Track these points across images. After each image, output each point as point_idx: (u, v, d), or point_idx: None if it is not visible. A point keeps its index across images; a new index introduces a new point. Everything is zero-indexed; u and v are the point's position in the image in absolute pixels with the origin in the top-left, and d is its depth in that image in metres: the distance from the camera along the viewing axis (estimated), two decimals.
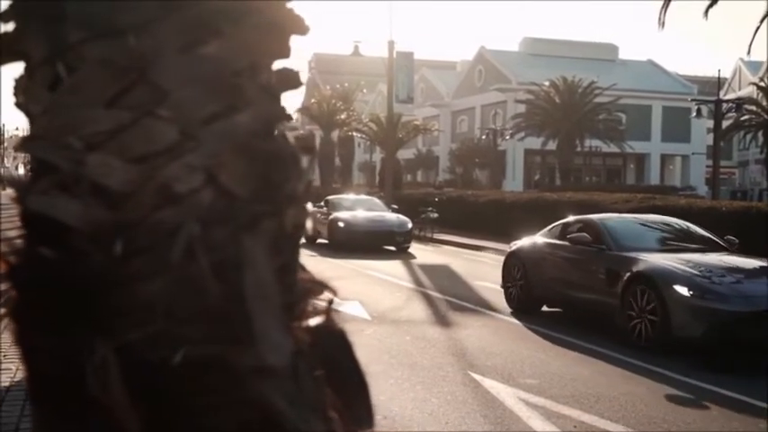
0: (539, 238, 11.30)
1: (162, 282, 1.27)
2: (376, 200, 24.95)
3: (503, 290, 11.48)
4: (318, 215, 21.89)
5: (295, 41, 1.43)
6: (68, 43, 1.29)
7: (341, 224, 20.84)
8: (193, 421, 1.27)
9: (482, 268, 16.90)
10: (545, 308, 10.93)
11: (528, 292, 10.84)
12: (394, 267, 16.52)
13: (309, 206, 1.29)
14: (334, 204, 22.74)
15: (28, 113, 1.32)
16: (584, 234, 9.99)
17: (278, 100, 1.43)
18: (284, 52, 1.45)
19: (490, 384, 6.71)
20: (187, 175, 1.29)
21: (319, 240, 21.23)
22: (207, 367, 1.27)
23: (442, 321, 10.14)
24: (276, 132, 1.39)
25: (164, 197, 1.28)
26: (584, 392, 6.60)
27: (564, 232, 10.80)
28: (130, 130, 1.29)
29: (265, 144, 1.36)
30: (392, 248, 20.65)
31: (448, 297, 12.13)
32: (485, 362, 7.63)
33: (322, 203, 23.01)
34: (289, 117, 1.48)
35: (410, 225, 21.54)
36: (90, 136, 1.29)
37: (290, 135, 1.41)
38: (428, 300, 12.04)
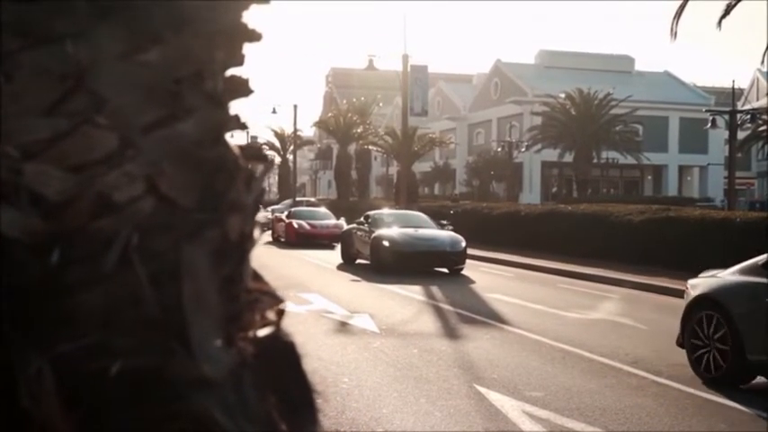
0: (747, 278, 7.78)
1: (99, 292, 1.26)
2: (423, 215, 22.40)
3: (685, 351, 8.08)
4: (358, 233, 20.27)
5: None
6: (6, 51, 1.28)
7: (386, 243, 18.54)
8: None
9: (495, 281, 16.85)
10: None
11: (739, 358, 7.42)
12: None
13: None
14: (377, 221, 20.39)
15: None
16: None
17: (225, 108, 1.41)
18: (236, 60, 1.43)
19: (495, 397, 6.65)
20: (126, 183, 1.28)
21: (359, 261, 19.88)
22: (144, 379, 1.25)
23: (451, 334, 10.08)
24: (222, 141, 1.37)
25: (102, 206, 1.27)
26: (590, 405, 6.53)
27: None
28: (69, 139, 1.27)
29: (207, 152, 1.34)
30: (444, 270, 18.57)
31: (459, 310, 12.07)
32: (491, 374, 7.57)
33: (362, 219, 20.90)
34: (243, 126, 1.46)
35: (464, 243, 18.94)
36: (28, 144, 1.27)
37: (236, 144, 1.40)
38: (439, 313, 11.99)
